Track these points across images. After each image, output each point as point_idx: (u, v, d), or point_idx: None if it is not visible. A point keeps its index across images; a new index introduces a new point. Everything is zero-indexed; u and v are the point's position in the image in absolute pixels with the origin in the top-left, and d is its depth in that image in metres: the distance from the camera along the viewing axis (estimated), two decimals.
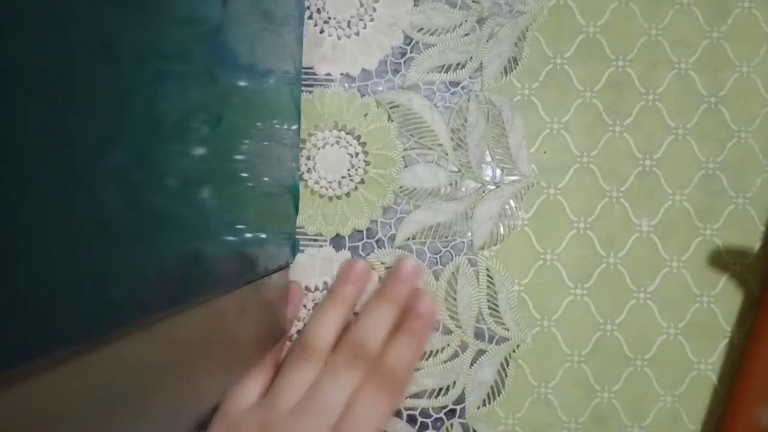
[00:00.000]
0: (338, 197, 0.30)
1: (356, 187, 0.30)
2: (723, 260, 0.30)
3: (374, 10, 0.30)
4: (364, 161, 0.30)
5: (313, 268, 0.30)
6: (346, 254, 0.30)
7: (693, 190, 0.30)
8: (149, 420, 0.16)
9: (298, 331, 0.30)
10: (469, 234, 0.30)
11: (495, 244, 0.30)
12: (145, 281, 0.15)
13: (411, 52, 0.30)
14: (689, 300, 0.30)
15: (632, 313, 0.30)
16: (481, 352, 0.30)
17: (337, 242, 0.30)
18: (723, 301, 0.30)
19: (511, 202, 0.30)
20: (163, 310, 0.16)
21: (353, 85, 0.30)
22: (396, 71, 0.30)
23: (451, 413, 0.30)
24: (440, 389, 0.30)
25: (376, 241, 0.30)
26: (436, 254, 0.30)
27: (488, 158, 0.30)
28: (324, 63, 0.30)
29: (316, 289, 0.30)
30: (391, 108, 0.30)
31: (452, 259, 0.30)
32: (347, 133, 0.30)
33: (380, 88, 0.30)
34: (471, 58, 0.30)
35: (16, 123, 0.09)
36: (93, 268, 0.12)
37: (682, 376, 0.30)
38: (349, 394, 0.26)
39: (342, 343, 0.27)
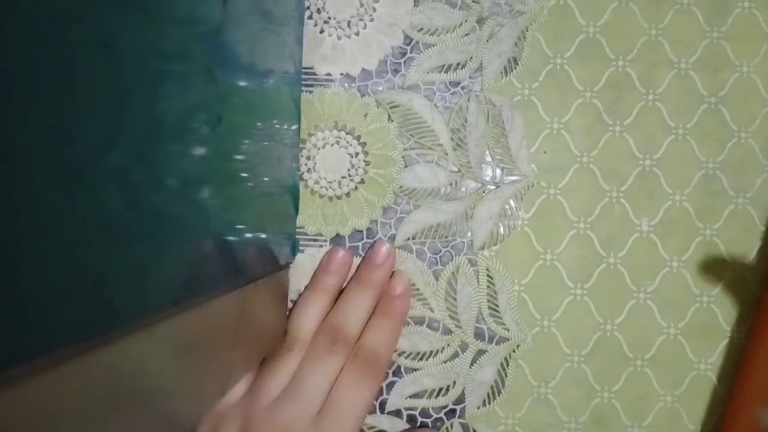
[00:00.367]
0: (338, 197, 0.30)
1: (356, 187, 0.30)
2: (723, 260, 0.30)
3: (374, 10, 0.30)
4: (364, 161, 0.30)
5: (313, 268, 0.30)
6: None
7: (693, 190, 0.30)
8: (149, 420, 0.16)
9: None
10: (469, 234, 0.30)
11: (495, 244, 0.30)
12: (145, 281, 0.15)
13: (411, 52, 0.30)
14: (689, 300, 0.30)
15: (632, 313, 0.30)
16: (481, 352, 0.30)
17: (337, 242, 0.30)
18: (723, 301, 0.30)
19: (511, 202, 0.30)
20: (163, 310, 0.16)
21: (353, 85, 0.30)
22: (396, 71, 0.30)
23: (451, 413, 0.30)
24: (440, 389, 0.30)
25: (377, 240, 0.30)
26: (436, 254, 0.30)
27: (488, 158, 0.30)
28: (324, 63, 0.30)
29: None
30: (391, 108, 0.30)
31: (452, 259, 0.30)
32: (347, 133, 0.30)
33: (380, 88, 0.30)
34: (471, 58, 0.30)
35: (16, 123, 0.09)
36: (93, 268, 0.12)
37: (682, 376, 0.30)
38: (330, 379, 0.26)
39: (321, 328, 0.28)
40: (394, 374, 0.30)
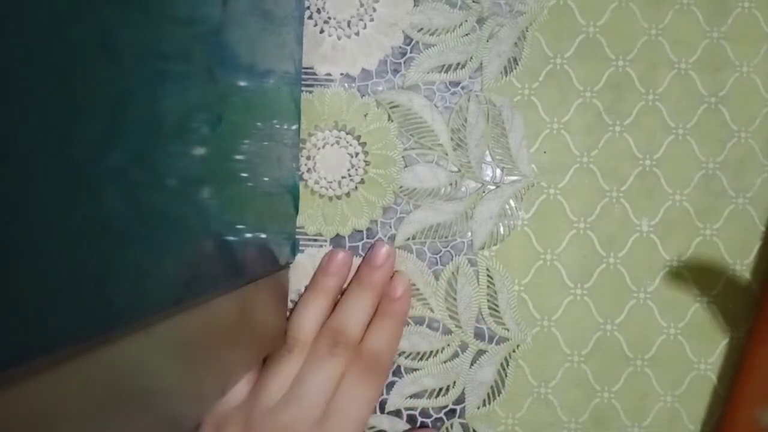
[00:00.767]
0: (338, 197, 0.30)
1: (356, 187, 0.30)
2: (723, 260, 0.30)
3: (374, 10, 0.30)
4: (364, 161, 0.30)
5: (313, 268, 0.30)
6: None
7: (693, 190, 0.30)
8: (149, 420, 0.16)
9: None
10: (469, 234, 0.30)
11: (495, 244, 0.30)
12: (145, 281, 0.15)
13: (411, 52, 0.30)
14: (689, 300, 0.30)
15: (632, 313, 0.30)
16: (481, 352, 0.30)
17: (337, 242, 0.30)
18: (723, 301, 0.30)
19: (511, 202, 0.30)
20: (163, 310, 0.16)
21: (353, 85, 0.30)
22: (396, 71, 0.30)
23: (451, 413, 0.30)
24: (440, 389, 0.30)
25: (376, 241, 0.30)
26: (436, 254, 0.30)
27: (488, 158, 0.30)
28: (324, 63, 0.30)
29: None
30: (391, 108, 0.30)
31: (452, 259, 0.30)
32: (347, 133, 0.30)
33: (380, 88, 0.30)
34: (471, 58, 0.30)
35: (16, 123, 0.09)
36: (93, 268, 0.12)
37: (682, 376, 0.30)
38: (332, 382, 0.26)
39: (322, 331, 0.27)
40: (394, 374, 0.30)
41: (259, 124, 0.23)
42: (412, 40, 0.30)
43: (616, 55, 0.30)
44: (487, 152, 0.30)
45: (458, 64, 0.30)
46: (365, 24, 0.30)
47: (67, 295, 0.11)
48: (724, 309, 0.30)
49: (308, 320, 0.28)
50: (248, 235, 0.23)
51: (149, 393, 0.16)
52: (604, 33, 0.30)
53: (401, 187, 0.30)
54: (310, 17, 0.30)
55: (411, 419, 0.30)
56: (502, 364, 0.30)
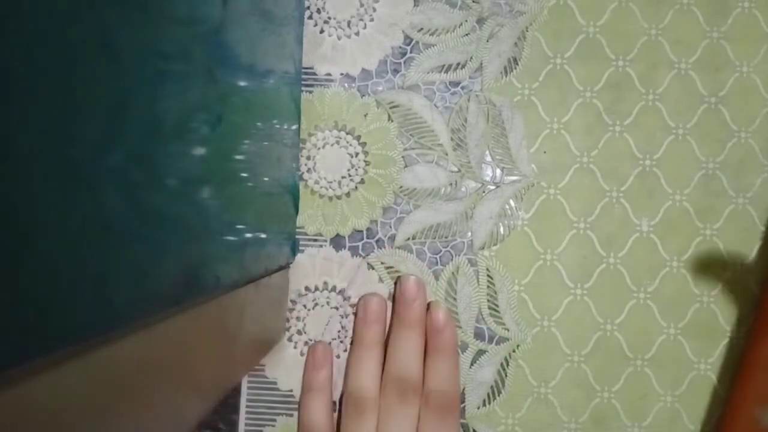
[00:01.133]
0: (338, 197, 0.30)
1: (356, 187, 0.30)
2: (723, 260, 0.30)
3: (374, 10, 0.30)
4: (364, 161, 0.30)
5: (313, 268, 0.30)
6: (346, 254, 0.30)
7: (693, 190, 0.30)
8: (149, 420, 0.16)
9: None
10: (469, 234, 0.30)
11: (495, 244, 0.30)
12: (145, 281, 0.15)
13: (411, 52, 0.30)
14: (689, 300, 0.30)
15: (632, 313, 0.30)
16: (481, 352, 0.30)
17: (337, 242, 0.30)
18: (723, 301, 0.30)
19: (511, 202, 0.30)
20: (163, 310, 0.16)
21: (353, 85, 0.30)
22: (396, 71, 0.30)
23: None
24: None
25: (376, 241, 0.30)
26: (436, 254, 0.30)
27: (488, 158, 0.30)
28: (324, 63, 0.30)
29: (317, 289, 0.30)
30: (391, 108, 0.30)
31: (452, 259, 0.30)
32: (347, 133, 0.30)
33: (380, 88, 0.30)
34: (471, 58, 0.30)
35: (16, 123, 0.09)
36: (93, 268, 0.12)
37: (682, 376, 0.30)
38: (412, 429, 0.26)
39: (385, 383, 0.28)
40: None
41: (259, 124, 0.23)
42: (412, 40, 0.30)
43: (616, 55, 0.30)
44: (487, 152, 0.30)
45: (458, 64, 0.30)
46: (365, 24, 0.30)
47: (67, 295, 0.11)
48: (724, 309, 0.30)
49: (368, 377, 0.28)
50: (248, 235, 0.23)
51: (149, 393, 0.16)
52: (604, 33, 0.30)
53: (401, 187, 0.30)
54: (310, 17, 0.30)
55: None
56: (502, 364, 0.30)
